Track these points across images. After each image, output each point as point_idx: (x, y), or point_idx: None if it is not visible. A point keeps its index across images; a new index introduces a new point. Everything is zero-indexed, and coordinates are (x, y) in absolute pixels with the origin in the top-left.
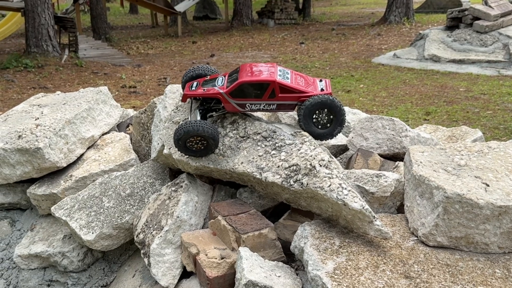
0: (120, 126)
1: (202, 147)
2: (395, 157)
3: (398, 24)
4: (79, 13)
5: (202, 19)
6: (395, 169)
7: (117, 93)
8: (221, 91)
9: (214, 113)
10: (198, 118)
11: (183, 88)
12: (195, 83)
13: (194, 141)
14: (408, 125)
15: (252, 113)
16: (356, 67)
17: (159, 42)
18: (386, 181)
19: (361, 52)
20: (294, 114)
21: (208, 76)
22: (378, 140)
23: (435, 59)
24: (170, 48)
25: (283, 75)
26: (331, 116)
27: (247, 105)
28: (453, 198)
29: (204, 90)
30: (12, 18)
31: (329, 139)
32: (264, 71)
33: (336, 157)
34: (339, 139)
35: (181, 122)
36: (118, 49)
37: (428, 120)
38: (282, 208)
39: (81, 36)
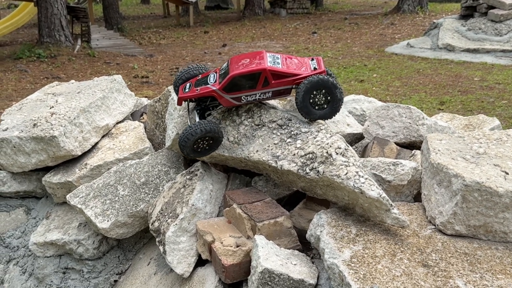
0: (134, 115)
1: (210, 143)
2: (411, 145)
3: (412, 13)
4: (91, 3)
5: (214, 9)
6: (411, 158)
7: (129, 83)
8: (214, 88)
9: (212, 110)
10: (197, 119)
11: (176, 92)
12: (188, 85)
13: (200, 142)
14: None
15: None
16: (369, 57)
17: (171, 32)
18: (403, 170)
19: (374, 41)
20: None
21: (200, 75)
22: (394, 128)
23: (449, 48)
24: (182, 38)
25: (274, 61)
26: (328, 97)
27: (242, 97)
28: (472, 186)
29: (197, 90)
30: (25, 8)
31: (329, 119)
32: (253, 60)
33: (351, 145)
34: (355, 128)
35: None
36: (130, 39)
37: (443, 109)
38: (298, 197)
39: (93, 26)
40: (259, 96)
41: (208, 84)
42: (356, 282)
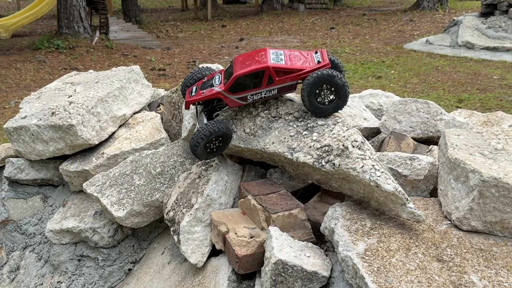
0: (151, 106)
1: (221, 142)
2: (428, 140)
3: (431, 10)
4: None
5: (232, 2)
6: (428, 153)
7: (146, 75)
8: (219, 90)
9: (219, 111)
10: (205, 121)
11: (184, 95)
12: (194, 88)
13: (211, 143)
14: None
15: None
16: (387, 53)
17: (188, 25)
18: (419, 164)
19: (392, 38)
20: None
21: (206, 77)
22: (411, 123)
23: (469, 46)
24: (200, 31)
25: (277, 58)
26: (333, 90)
27: (248, 96)
28: (489, 182)
29: (203, 93)
30: None
31: (329, 115)
32: (257, 58)
33: (368, 139)
34: (372, 122)
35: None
36: (148, 32)
37: (461, 107)
38: (313, 190)
39: (112, 18)
40: (265, 94)
41: (214, 86)
42: (370, 275)
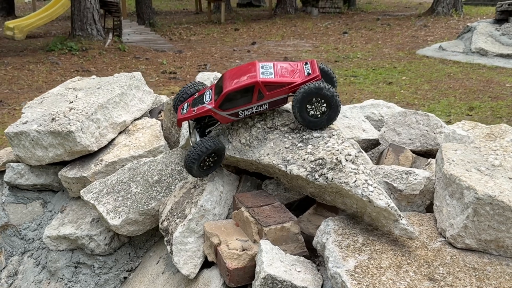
0: (152, 112)
1: (215, 158)
2: (428, 153)
3: (446, 16)
4: None
5: (246, 6)
6: (427, 166)
7: (157, 78)
8: (209, 107)
9: (211, 127)
10: (198, 138)
11: (176, 111)
12: (185, 105)
13: (206, 161)
14: (450, 120)
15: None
16: (399, 59)
17: (201, 28)
18: (415, 179)
19: (405, 43)
20: None
21: (197, 94)
22: (411, 135)
23: (482, 52)
24: (212, 34)
25: (266, 72)
26: (324, 103)
27: (239, 112)
28: (484, 199)
29: (194, 110)
30: (59, 1)
31: (325, 127)
32: (246, 73)
33: (367, 151)
34: (370, 133)
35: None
36: (161, 35)
37: (471, 115)
38: (309, 202)
39: (125, 20)
40: (256, 109)
41: (204, 103)
42: None
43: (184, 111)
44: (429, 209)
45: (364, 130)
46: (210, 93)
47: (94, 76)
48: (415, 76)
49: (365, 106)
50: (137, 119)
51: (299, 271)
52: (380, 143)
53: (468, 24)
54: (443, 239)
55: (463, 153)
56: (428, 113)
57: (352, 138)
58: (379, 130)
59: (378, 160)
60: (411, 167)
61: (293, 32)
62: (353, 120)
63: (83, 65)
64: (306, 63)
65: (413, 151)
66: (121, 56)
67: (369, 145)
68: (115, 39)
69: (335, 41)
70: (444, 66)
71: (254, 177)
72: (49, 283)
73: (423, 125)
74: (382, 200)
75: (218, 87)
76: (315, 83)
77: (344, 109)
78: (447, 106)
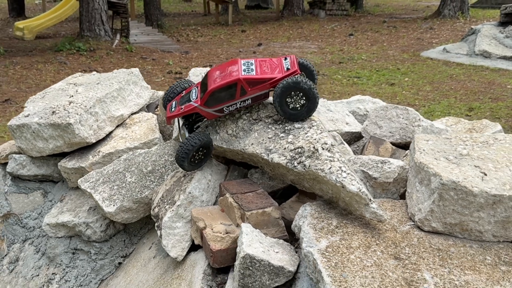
0: (149, 107)
1: (204, 152)
2: (407, 146)
3: (452, 19)
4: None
5: (254, 8)
6: (404, 157)
7: (163, 78)
8: (196, 105)
9: (199, 123)
10: (187, 134)
11: (165, 109)
12: (173, 103)
13: (195, 156)
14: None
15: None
16: (403, 60)
17: (209, 30)
18: (389, 168)
19: (410, 45)
20: None
21: (184, 92)
22: (391, 128)
23: (486, 55)
24: (219, 36)
25: (248, 68)
26: (303, 96)
27: (224, 108)
28: (448, 185)
29: (182, 108)
30: (69, 2)
31: (305, 118)
32: (229, 71)
33: (350, 144)
34: (354, 126)
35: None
36: (168, 36)
37: (470, 116)
38: (292, 191)
39: (133, 22)
40: (239, 104)
41: (191, 101)
42: (327, 269)
43: (173, 109)
44: (403, 196)
45: (347, 123)
46: (196, 91)
47: (94, 72)
48: (417, 77)
49: (351, 101)
50: (135, 113)
51: (277, 252)
52: (363, 136)
53: (472, 26)
54: (412, 223)
55: (434, 143)
56: (407, 108)
57: (335, 131)
58: (361, 124)
59: (361, 153)
60: (390, 158)
61: (299, 34)
62: (337, 114)
63: (91, 65)
64: (285, 58)
65: (393, 143)
66: (128, 56)
67: (352, 138)
68: (122, 39)
69: (341, 43)
70: (447, 68)
71: (241, 167)
72: (48, 268)
73: (402, 118)
74: (354, 185)
75: (203, 84)
76: (293, 77)
77: (328, 103)
78: (447, 106)
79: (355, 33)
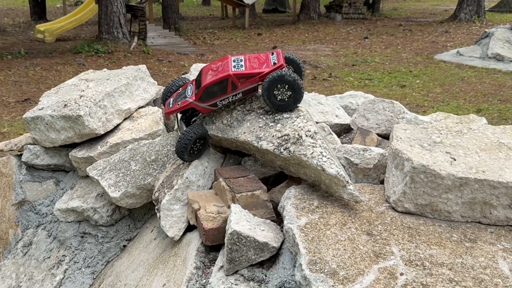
0: (156, 102)
1: (202, 143)
2: None
3: (468, 22)
4: (152, 3)
5: (271, 12)
6: (388, 147)
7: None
8: (191, 100)
9: (196, 117)
10: (184, 128)
11: (164, 106)
12: (171, 100)
13: (194, 147)
14: None
15: None
16: (416, 63)
17: (225, 33)
18: (370, 154)
19: (424, 48)
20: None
21: (180, 88)
22: (378, 120)
23: (498, 58)
24: (235, 39)
25: (237, 64)
26: (289, 88)
27: (217, 103)
28: (419, 168)
29: (179, 104)
30: (88, 5)
31: (293, 108)
32: (221, 67)
33: (339, 135)
34: (343, 119)
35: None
36: (185, 39)
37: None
38: (283, 178)
39: (150, 25)
40: (231, 98)
41: (187, 97)
42: (304, 242)
43: (171, 106)
44: (383, 182)
45: (337, 116)
46: (191, 87)
47: (105, 69)
48: (429, 79)
49: (344, 96)
50: (142, 107)
51: (262, 230)
52: (352, 129)
53: (486, 30)
54: (388, 204)
55: (411, 132)
56: (393, 101)
57: (324, 122)
58: (351, 116)
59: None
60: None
61: (314, 37)
62: (327, 107)
63: (108, 67)
64: (272, 54)
65: (379, 135)
66: (145, 58)
67: (342, 130)
68: (139, 42)
69: (355, 45)
70: (459, 71)
71: (236, 155)
72: (58, 251)
73: (388, 111)
74: (333, 168)
75: (197, 81)
76: (278, 71)
77: (319, 97)
78: (456, 108)
79: (370, 36)
